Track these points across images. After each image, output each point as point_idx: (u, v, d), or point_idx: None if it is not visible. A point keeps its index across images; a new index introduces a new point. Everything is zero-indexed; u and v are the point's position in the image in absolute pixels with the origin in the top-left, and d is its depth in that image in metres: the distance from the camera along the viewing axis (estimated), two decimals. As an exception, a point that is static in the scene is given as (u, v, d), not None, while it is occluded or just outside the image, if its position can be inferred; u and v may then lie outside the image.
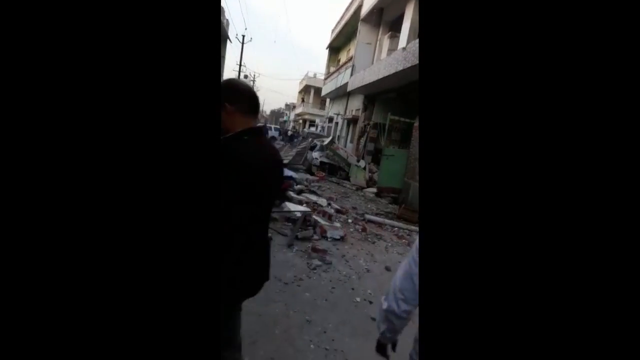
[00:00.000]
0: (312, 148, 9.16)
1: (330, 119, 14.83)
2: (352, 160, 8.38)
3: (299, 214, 4.07)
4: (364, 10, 11.38)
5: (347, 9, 14.14)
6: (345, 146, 10.61)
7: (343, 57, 16.69)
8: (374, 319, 2.29)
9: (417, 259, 0.84)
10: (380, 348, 1.04)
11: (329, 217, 4.33)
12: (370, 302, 2.52)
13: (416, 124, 6.57)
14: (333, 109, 15.72)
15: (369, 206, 5.80)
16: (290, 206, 4.39)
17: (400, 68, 6.76)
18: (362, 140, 9.77)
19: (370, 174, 7.87)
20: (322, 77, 20.14)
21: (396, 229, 4.57)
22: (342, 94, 13.38)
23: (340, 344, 1.98)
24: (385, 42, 10.24)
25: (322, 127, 12.97)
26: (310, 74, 27.53)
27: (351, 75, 11.04)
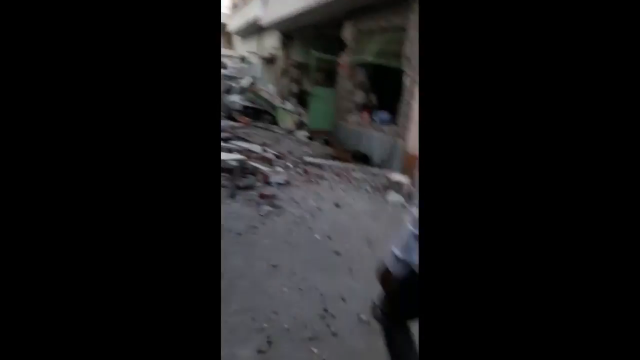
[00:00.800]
0: (228, 91, 8.29)
1: (243, 59, 13.49)
2: (277, 102, 7.93)
3: (234, 163, 3.74)
4: None
5: None
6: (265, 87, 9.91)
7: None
8: (337, 253, 2.33)
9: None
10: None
11: (270, 163, 4.10)
12: (330, 238, 2.55)
13: (341, 61, 6.41)
14: (244, 48, 14.25)
15: (304, 149, 5.71)
16: (222, 155, 3.99)
17: (320, 0, 6.27)
18: (285, 81, 9.25)
19: (298, 117, 7.64)
20: (226, 12, 17.69)
21: (332, 169, 4.64)
22: (253, 31, 12.08)
23: (313, 282, 1.97)
24: (299, -31, 9.27)
25: (234, 69, 11.73)
26: (212, 7, 23.91)
27: (263, 8, 9.91)
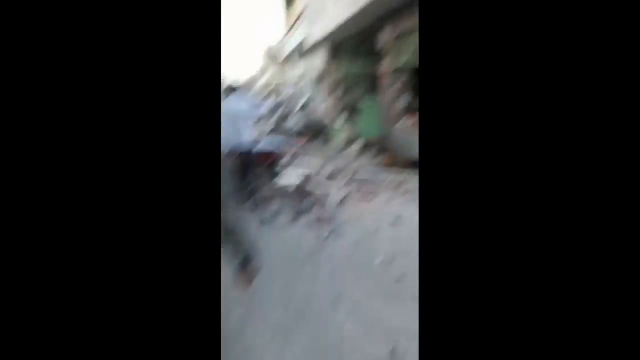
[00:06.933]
0: (285, 116, 8.73)
1: (295, 83, 14.18)
2: (330, 119, 8.06)
3: (292, 186, 3.88)
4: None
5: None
6: (317, 106, 10.20)
7: (296, 10, 15.49)
8: (399, 280, 2.23)
9: None
10: None
11: (325, 183, 4.16)
12: (391, 261, 2.45)
13: (383, 67, 6.27)
14: (295, 71, 14.94)
15: (358, 164, 5.67)
16: (282, 180, 4.18)
17: (361, 5, 6.25)
18: (333, 97, 9.40)
19: (350, 130, 7.65)
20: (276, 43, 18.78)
21: (388, 182, 4.49)
22: (301, 53, 12.60)
23: (378, 314, 1.90)
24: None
25: (288, 93, 12.61)
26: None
27: (308, 28, 10.29)
